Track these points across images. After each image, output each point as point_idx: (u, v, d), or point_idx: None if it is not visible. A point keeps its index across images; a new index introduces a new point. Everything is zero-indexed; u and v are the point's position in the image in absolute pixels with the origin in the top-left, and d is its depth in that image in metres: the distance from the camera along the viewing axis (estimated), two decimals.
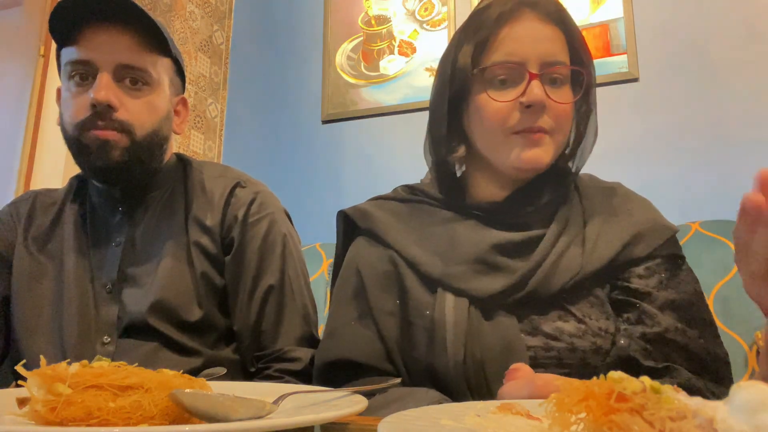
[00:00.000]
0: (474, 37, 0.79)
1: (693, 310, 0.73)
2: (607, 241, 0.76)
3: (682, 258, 0.79)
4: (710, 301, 1.37)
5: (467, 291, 0.74)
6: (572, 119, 0.81)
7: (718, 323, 1.39)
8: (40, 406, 0.39)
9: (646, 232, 0.77)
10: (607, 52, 2.02)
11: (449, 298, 0.74)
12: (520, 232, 0.78)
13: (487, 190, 0.84)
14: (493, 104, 0.76)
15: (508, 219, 0.80)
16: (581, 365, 0.70)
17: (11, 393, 0.57)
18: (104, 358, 0.46)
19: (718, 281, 1.37)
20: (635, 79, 1.97)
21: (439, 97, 0.84)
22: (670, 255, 0.77)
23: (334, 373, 0.78)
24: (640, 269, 0.75)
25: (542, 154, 0.76)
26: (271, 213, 1.01)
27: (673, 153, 1.89)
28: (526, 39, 0.76)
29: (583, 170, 0.92)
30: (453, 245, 0.78)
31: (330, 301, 0.88)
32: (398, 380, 0.65)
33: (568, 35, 0.79)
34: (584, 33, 2.05)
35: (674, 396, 0.30)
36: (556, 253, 0.75)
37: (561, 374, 0.67)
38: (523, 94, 0.75)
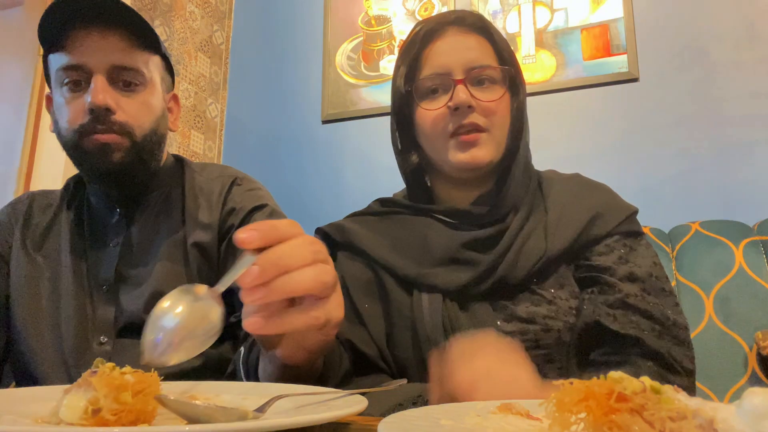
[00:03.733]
0: (406, 58, 0.88)
1: (651, 280, 0.77)
2: (568, 224, 0.81)
3: (641, 234, 0.84)
4: (710, 301, 1.38)
5: (438, 286, 0.79)
6: (508, 116, 0.87)
7: (718, 323, 1.39)
8: (109, 415, 0.40)
9: (605, 212, 0.82)
10: (607, 52, 2.01)
11: (424, 297, 0.79)
12: (486, 228, 0.83)
13: (451, 196, 0.90)
14: (428, 114, 0.85)
15: (474, 222, 0.85)
16: (556, 344, 0.75)
17: (12, 393, 0.57)
18: (103, 361, 0.46)
19: (718, 281, 1.37)
20: (635, 79, 1.97)
21: (391, 116, 0.94)
22: (628, 232, 0.82)
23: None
24: (600, 247, 0.80)
25: (480, 153, 0.82)
26: (269, 206, 1.02)
27: (673, 153, 1.89)
28: (450, 51, 0.85)
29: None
30: (425, 248, 0.84)
31: None
32: (404, 381, 0.65)
33: (492, 42, 0.87)
34: (584, 33, 2.06)
35: (674, 396, 0.30)
36: (520, 241, 0.80)
37: (538, 355, 0.73)
38: (450, 99, 0.82)
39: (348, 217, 0.97)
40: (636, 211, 0.85)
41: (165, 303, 0.47)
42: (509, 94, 0.86)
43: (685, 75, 1.93)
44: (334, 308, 0.54)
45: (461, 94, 0.81)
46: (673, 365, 0.71)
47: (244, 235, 0.48)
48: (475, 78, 0.84)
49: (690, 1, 1.97)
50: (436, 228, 0.86)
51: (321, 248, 0.52)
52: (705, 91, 1.90)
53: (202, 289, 0.49)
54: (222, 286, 0.48)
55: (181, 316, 0.47)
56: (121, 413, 0.40)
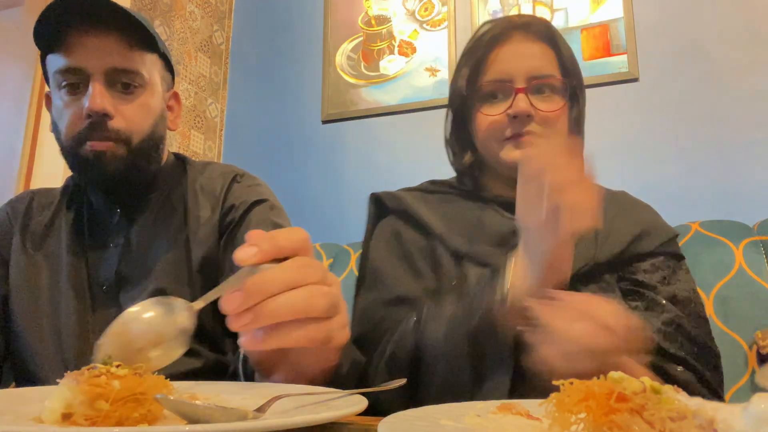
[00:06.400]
0: (470, 60, 0.90)
1: (692, 306, 0.80)
2: (617, 235, 0.83)
3: (683, 258, 0.87)
4: (710, 301, 1.37)
5: (490, 263, 0.80)
6: (565, 122, 0.88)
7: (718, 323, 1.39)
8: (83, 420, 0.40)
9: (651, 230, 0.85)
10: (607, 52, 2.01)
11: (472, 272, 0.82)
12: None
13: (504, 192, 0.91)
14: (486, 118, 0.87)
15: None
16: None
17: (12, 393, 0.57)
18: (110, 357, 0.46)
19: (718, 281, 1.37)
20: (635, 79, 1.97)
21: (447, 113, 0.97)
22: (672, 254, 0.85)
23: (391, 310, 0.83)
24: (645, 264, 0.82)
25: (533, 153, 0.83)
26: (269, 201, 1.02)
27: (673, 153, 1.89)
28: (514, 58, 0.86)
29: None
30: (477, 228, 0.87)
31: (368, 259, 0.94)
32: (402, 381, 0.65)
33: (557, 51, 0.89)
34: (584, 33, 2.06)
35: (674, 396, 0.30)
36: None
37: None
38: (510, 107, 0.84)
39: (400, 189, 1.00)
40: (677, 235, 0.88)
41: (136, 308, 0.47)
42: (569, 105, 0.88)
43: (685, 75, 1.93)
44: (337, 329, 0.51)
45: (521, 103, 0.83)
46: (707, 389, 0.75)
47: (242, 254, 0.47)
48: (536, 87, 0.85)
49: (690, 1, 1.97)
50: (489, 213, 0.89)
51: (316, 269, 0.50)
52: (705, 91, 1.90)
53: (179, 302, 0.48)
54: (200, 303, 0.47)
55: (146, 323, 0.47)
56: (97, 419, 0.39)
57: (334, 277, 0.52)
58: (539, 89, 0.86)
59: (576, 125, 0.91)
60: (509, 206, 0.84)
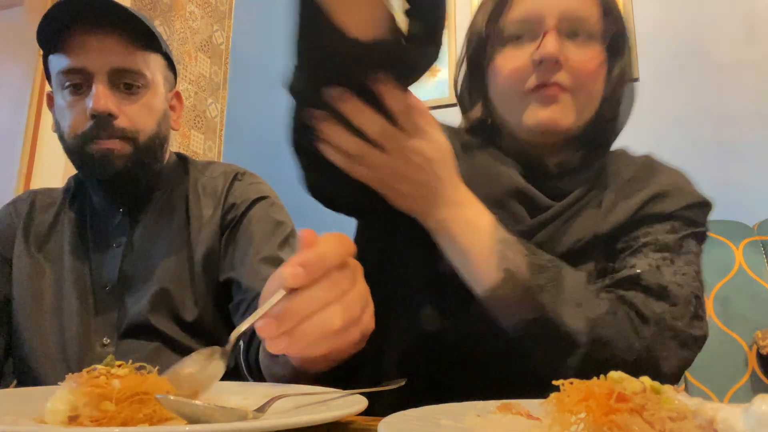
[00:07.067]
0: None
1: (694, 285, 0.67)
2: (629, 199, 0.71)
3: (703, 235, 0.73)
4: (710, 301, 1.38)
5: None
6: (602, 82, 0.73)
7: (718, 323, 1.39)
8: (89, 422, 0.40)
9: (674, 191, 0.72)
10: None
11: None
12: (541, 188, 0.73)
13: (523, 150, 0.77)
14: (507, 63, 0.72)
15: (535, 170, 0.74)
16: None
17: (12, 393, 0.57)
18: (113, 358, 0.46)
19: (718, 281, 1.37)
20: (635, 79, 1.97)
21: (461, 61, 0.81)
22: (690, 220, 0.72)
23: None
24: (658, 226, 0.70)
25: (559, 115, 0.70)
26: (270, 198, 1.02)
27: (672, 153, 1.89)
28: None
29: None
30: (488, 180, 0.72)
31: None
32: (402, 382, 0.65)
33: None
34: None
35: (674, 396, 0.30)
36: (569, 215, 0.71)
37: None
38: (537, 49, 0.69)
39: None
40: (708, 204, 0.73)
41: (179, 366, 0.49)
42: (608, 55, 0.73)
43: (685, 75, 1.93)
44: (368, 322, 0.52)
45: (549, 45, 0.68)
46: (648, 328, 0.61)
47: (290, 276, 0.45)
48: (569, 29, 0.70)
49: (690, 1, 1.97)
50: (491, 154, 0.75)
51: (346, 277, 0.49)
52: (705, 91, 1.90)
53: (216, 351, 0.50)
54: (235, 333, 0.48)
55: (187, 379, 0.49)
56: (103, 420, 0.40)
57: (360, 270, 0.51)
58: (573, 32, 0.70)
59: (617, 83, 0.74)
60: (528, 164, 0.74)
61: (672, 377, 0.63)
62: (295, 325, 0.45)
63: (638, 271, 0.65)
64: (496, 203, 0.69)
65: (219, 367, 0.50)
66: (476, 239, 0.61)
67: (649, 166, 0.78)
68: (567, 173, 0.74)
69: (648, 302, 0.62)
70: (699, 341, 0.65)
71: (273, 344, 0.46)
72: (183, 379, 0.48)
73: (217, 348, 0.50)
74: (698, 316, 0.65)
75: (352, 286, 0.49)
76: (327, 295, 0.47)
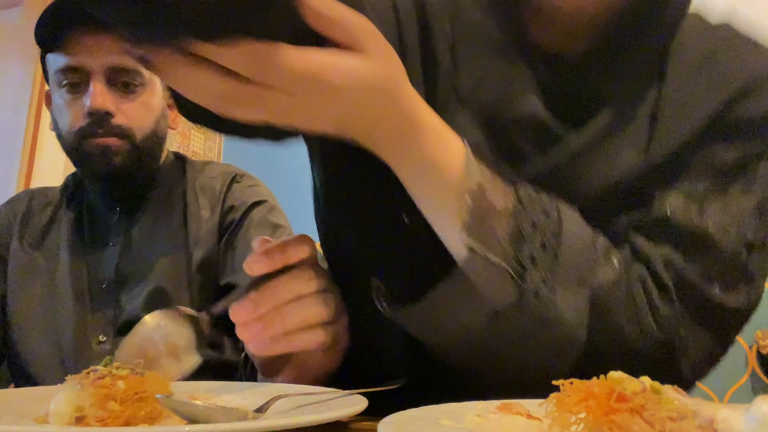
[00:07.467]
0: None
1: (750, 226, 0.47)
2: (693, 114, 0.49)
3: None
4: None
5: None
6: None
7: None
8: (95, 422, 0.40)
9: (762, 85, 0.50)
10: None
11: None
12: (566, 113, 0.51)
13: (550, 41, 0.53)
14: None
15: (565, 86, 0.52)
16: None
17: (12, 393, 0.58)
18: (111, 359, 0.46)
19: None
20: None
21: None
22: None
23: None
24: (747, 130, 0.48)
25: None
26: (268, 202, 1.02)
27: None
28: None
29: None
30: (500, 93, 0.52)
31: None
32: (402, 382, 0.65)
33: None
34: None
35: (674, 396, 0.30)
36: (595, 144, 0.50)
37: None
38: None
39: None
40: None
41: (149, 318, 0.49)
42: None
43: None
44: (342, 332, 0.53)
45: None
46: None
47: (252, 264, 0.47)
48: None
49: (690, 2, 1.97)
50: (511, 59, 0.52)
51: (321, 277, 0.50)
52: None
53: (190, 313, 0.51)
54: (208, 313, 0.49)
55: (161, 334, 0.48)
56: (108, 420, 0.40)
57: (332, 285, 0.53)
58: None
59: None
60: (548, 60, 0.52)
61: (697, 372, 0.51)
62: (268, 311, 0.46)
63: (669, 211, 0.47)
64: (494, 124, 0.51)
65: (199, 328, 0.50)
66: (439, 193, 0.44)
67: (731, 41, 0.56)
68: (605, 67, 0.52)
69: (673, 261, 0.45)
70: (739, 315, 0.48)
71: (245, 329, 0.46)
72: (154, 333, 0.48)
73: (182, 309, 0.51)
74: (745, 276, 0.47)
75: (325, 288, 0.50)
76: (300, 285, 0.48)
